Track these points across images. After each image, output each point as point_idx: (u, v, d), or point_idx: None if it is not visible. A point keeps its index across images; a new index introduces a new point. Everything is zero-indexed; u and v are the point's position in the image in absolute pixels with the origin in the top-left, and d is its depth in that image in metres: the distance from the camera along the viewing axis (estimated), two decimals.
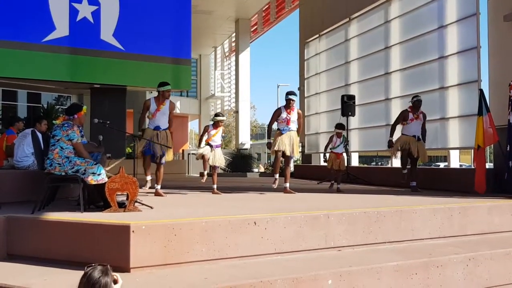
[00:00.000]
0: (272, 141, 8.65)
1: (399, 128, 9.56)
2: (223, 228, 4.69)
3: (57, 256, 4.60)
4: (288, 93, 8.71)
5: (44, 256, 4.66)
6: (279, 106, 8.81)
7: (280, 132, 8.59)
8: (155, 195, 7.80)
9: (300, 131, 8.80)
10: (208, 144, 8.48)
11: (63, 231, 4.72)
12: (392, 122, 11.64)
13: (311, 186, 11.07)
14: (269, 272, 4.29)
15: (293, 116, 8.62)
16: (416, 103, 9.27)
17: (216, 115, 8.79)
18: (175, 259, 4.42)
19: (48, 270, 4.34)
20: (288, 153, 8.57)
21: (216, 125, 8.54)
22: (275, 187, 8.60)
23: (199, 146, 8.69)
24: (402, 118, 9.38)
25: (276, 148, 8.52)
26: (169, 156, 8.01)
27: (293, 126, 8.62)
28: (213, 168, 8.53)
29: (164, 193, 7.95)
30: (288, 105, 8.63)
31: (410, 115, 9.26)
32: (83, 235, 4.58)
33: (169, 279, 4.13)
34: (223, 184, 8.75)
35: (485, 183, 8.19)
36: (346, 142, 9.67)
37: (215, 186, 8.45)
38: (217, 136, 8.54)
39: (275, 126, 8.81)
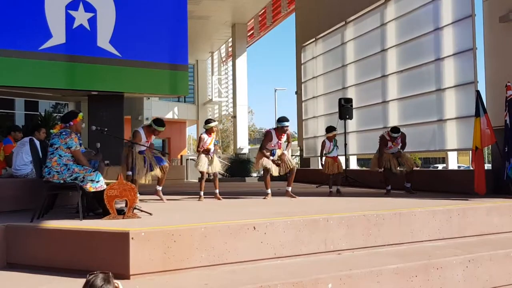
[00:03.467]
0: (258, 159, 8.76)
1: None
2: (223, 233, 4.69)
3: (57, 264, 4.59)
4: (283, 120, 8.64)
5: (43, 264, 4.65)
6: (269, 129, 8.83)
7: (271, 153, 8.63)
8: (155, 194, 7.95)
9: (288, 147, 8.85)
10: (203, 152, 8.49)
11: (62, 239, 4.72)
12: (389, 125, 11.69)
13: (309, 190, 11.07)
14: (269, 277, 4.29)
15: (283, 140, 8.73)
16: (393, 138, 9.36)
17: (208, 121, 8.71)
18: (174, 265, 4.42)
19: (47, 279, 4.33)
20: (278, 174, 8.70)
21: (209, 131, 8.54)
22: (268, 199, 8.52)
23: (198, 157, 8.66)
24: (384, 144, 9.42)
25: (265, 165, 8.56)
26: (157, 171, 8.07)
27: (282, 148, 8.76)
28: (213, 174, 8.54)
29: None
30: (281, 131, 8.61)
31: (389, 144, 9.40)
32: (83, 243, 4.57)
33: (169, 285, 4.13)
34: (222, 189, 8.75)
35: (485, 184, 8.20)
36: (335, 144, 9.66)
37: (217, 191, 8.49)
38: (212, 144, 8.55)
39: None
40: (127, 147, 7.88)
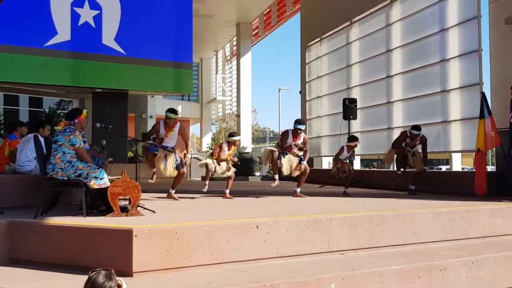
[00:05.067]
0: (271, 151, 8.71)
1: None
2: (226, 232, 4.69)
3: (60, 260, 4.59)
4: (298, 122, 8.59)
5: (46, 260, 4.66)
6: (287, 129, 8.71)
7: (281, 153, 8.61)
8: (166, 197, 8.03)
9: (306, 157, 8.68)
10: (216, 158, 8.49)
11: (65, 236, 4.72)
12: (393, 126, 11.67)
13: (313, 190, 11.05)
14: (272, 276, 4.28)
15: (298, 142, 8.61)
16: (412, 135, 9.27)
17: (232, 135, 8.76)
18: (177, 263, 4.41)
19: (50, 275, 4.33)
20: (287, 173, 8.62)
21: (231, 144, 8.55)
22: (274, 185, 8.55)
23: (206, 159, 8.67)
24: (402, 139, 9.36)
25: (274, 157, 8.56)
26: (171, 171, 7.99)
27: (296, 151, 8.67)
28: (228, 176, 8.56)
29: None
30: (296, 133, 8.58)
31: (408, 140, 9.32)
32: (86, 240, 4.57)
33: (172, 283, 4.12)
34: (224, 188, 8.73)
35: (486, 186, 8.17)
36: (352, 157, 9.72)
37: (227, 191, 8.47)
38: (230, 156, 8.57)
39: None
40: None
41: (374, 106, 13.30)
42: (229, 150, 8.55)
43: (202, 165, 8.60)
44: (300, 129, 8.54)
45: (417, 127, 9.28)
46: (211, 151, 8.70)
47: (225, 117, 37.75)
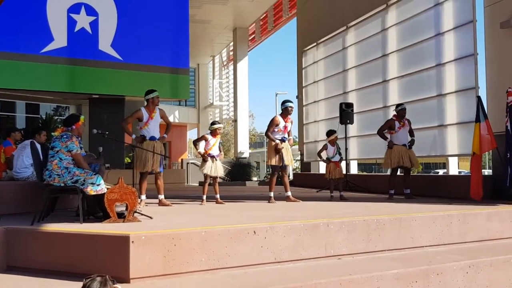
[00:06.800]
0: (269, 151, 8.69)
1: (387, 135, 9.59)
2: (223, 237, 4.68)
3: (57, 267, 4.59)
4: (287, 101, 8.75)
5: (43, 267, 4.65)
6: (275, 116, 8.75)
7: (281, 141, 8.56)
8: (159, 205, 7.86)
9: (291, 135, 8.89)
10: (208, 155, 8.44)
11: (62, 242, 4.72)
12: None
13: (310, 194, 11.06)
14: (269, 281, 4.28)
15: (289, 124, 8.70)
16: (400, 111, 9.40)
17: (213, 123, 8.67)
18: (175, 269, 4.41)
19: (47, 282, 4.33)
20: (287, 164, 8.63)
21: (214, 133, 8.49)
22: (270, 203, 8.46)
23: (197, 150, 8.60)
24: (388, 126, 9.45)
25: (275, 163, 8.57)
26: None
27: (286, 134, 8.72)
28: (214, 178, 8.51)
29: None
30: (287, 113, 8.64)
31: (397, 124, 9.37)
32: (83, 246, 4.57)
33: None
34: (222, 193, 8.74)
35: (482, 190, 8.16)
36: (338, 149, 9.61)
37: (218, 196, 8.45)
38: (216, 146, 8.50)
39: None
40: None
41: (370, 110, 13.31)
42: (214, 138, 8.45)
43: (202, 166, 8.53)
44: (291, 107, 8.67)
45: (399, 104, 9.58)
46: (197, 146, 8.56)
47: (222, 122, 37.76)
